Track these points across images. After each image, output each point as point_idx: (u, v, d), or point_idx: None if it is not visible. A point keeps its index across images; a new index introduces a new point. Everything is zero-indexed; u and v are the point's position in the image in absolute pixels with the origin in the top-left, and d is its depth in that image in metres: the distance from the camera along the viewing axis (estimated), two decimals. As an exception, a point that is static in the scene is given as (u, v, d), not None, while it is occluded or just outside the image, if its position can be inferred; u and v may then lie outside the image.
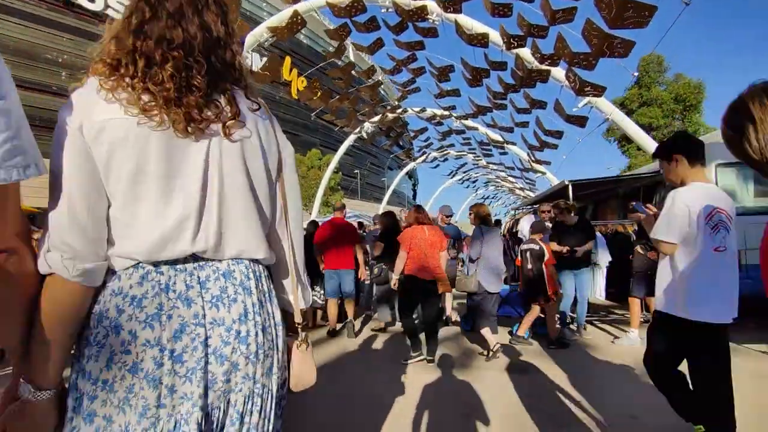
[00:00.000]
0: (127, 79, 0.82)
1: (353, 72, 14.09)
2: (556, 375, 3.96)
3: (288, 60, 25.81)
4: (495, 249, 4.55)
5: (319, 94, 13.95)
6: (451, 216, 6.13)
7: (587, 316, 5.36)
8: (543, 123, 12.25)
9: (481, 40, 10.11)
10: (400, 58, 12.90)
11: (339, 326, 6.09)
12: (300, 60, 33.14)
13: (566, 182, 5.61)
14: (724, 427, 2.14)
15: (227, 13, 0.96)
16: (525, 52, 10.15)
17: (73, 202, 0.78)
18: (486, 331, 4.48)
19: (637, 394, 3.47)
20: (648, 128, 20.42)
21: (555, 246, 4.75)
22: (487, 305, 4.58)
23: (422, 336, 4.57)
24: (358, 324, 6.33)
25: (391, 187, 34.86)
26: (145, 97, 0.82)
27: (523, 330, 4.92)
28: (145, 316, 0.83)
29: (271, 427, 0.95)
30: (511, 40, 9.44)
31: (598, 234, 5.49)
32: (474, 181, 32.94)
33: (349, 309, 5.89)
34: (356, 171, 51.91)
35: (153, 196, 0.84)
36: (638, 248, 4.94)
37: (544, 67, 9.73)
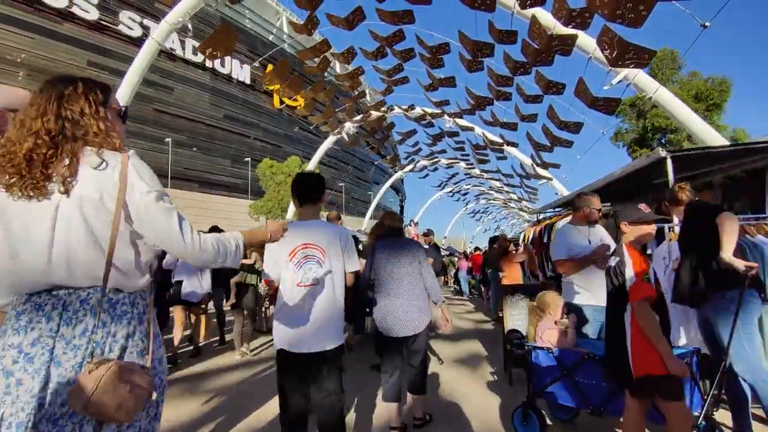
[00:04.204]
0: (5, 166, 1.19)
1: (329, 54, 11.83)
2: None
3: (271, 68, 23.80)
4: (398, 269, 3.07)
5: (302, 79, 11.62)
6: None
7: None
8: (557, 113, 10.04)
9: (486, 1, 7.97)
10: (385, 35, 10.73)
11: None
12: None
13: (663, 153, 3.34)
14: None
15: (96, 93, 1.32)
16: (545, 14, 8.00)
17: None
18: (390, 407, 3.00)
19: None
20: (664, 131, 18.62)
21: (735, 261, 2.27)
22: (391, 360, 3.06)
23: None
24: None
25: (375, 201, 32.59)
26: (7, 177, 1.18)
27: None
28: (18, 326, 1.17)
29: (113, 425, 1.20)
30: (529, -6, 7.29)
31: (762, 238, 3.08)
32: (465, 194, 30.84)
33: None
34: (341, 184, 49.59)
35: (19, 246, 1.18)
36: None
37: (568, 31, 7.57)
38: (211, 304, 6.22)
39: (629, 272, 2.14)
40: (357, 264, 2.48)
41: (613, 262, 2.28)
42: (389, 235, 3.28)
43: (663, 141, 18.18)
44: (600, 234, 3.38)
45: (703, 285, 2.47)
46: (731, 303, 2.41)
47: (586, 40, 7.81)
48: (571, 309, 3.21)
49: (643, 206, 2.31)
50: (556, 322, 3.00)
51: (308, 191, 2.44)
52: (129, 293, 1.27)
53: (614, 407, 2.45)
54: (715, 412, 2.34)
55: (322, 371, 2.31)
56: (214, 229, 6.36)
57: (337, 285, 2.35)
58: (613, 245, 3.24)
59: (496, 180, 21.38)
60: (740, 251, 2.57)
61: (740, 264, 2.24)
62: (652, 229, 2.31)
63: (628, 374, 2.07)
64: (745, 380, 2.42)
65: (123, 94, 8.67)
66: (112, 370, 1.13)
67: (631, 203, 2.40)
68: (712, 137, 7.49)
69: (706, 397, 2.29)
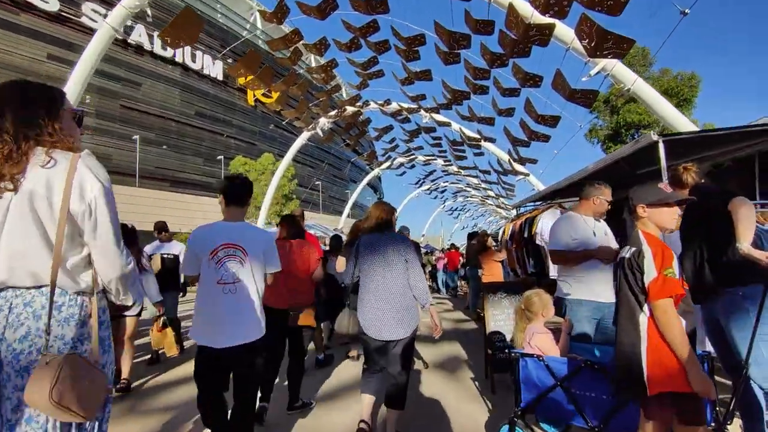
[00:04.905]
0: None
1: (301, 46, 11.35)
2: None
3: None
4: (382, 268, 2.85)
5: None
6: None
7: None
8: (534, 106, 9.87)
9: (463, -11, 7.70)
10: (358, 26, 10.35)
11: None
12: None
13: (654, 137, 3.09)
14: None
15: (54, 100, 1.33)
16: (522, 3, 7.78)
17: None
18: (364, 399, 2.83)
19: None
20: (637, 126, 18.94)
21: (756, 253, 1.96)
22: (373, 361, 2.91)
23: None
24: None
25: (351, 199, 32.17)
26: None
27: None
28: None
29: (49, 427, 1.15)
30: (506, -20, 7.05)
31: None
32: (442, 191, 30.73)
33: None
34: (317, 182, 48.84)
35: None
36: None
37: (546, 20, 7.36)
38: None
39: (649, 265, 1.74)
40: (278, 265, 2.58)
41: (627, 252, 1.86)
42: (376, 229, 2.96)
43: (636, 136, 18.50)
44: (604, 228, 3.08)
45: (711, 279, 2.18)
46: (746, 300, 2.11)
47: (564, 30, 7.64)
48: (564, 306, 2.91)
49: (663, 185, 1.96)
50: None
51: (235, 193, 2.56)
52: (76, 293, 1.26)
53: (616, 424, 2.15)
54: (728, 425, 2.07)
55: (239, 365, 2.42)
56: (160, 224, 5.87)
57: (258, 284, 2.46)
58: (616, 246, 2.93)
59: (474, 177, 21.29)
60: (755, 241, 2.28)
61: (762, 256, 1.94)
62: (675, 212, 1.92)
63: (642, 390, 1.71)
64: (762, 388, 2.16)
65: (75, 85, 7.99)
66: (73, 360, 1.11)
67: (645, 184, 2.02)
68: (689, 130, 7.41)
69: (719, 408, 2.01)
